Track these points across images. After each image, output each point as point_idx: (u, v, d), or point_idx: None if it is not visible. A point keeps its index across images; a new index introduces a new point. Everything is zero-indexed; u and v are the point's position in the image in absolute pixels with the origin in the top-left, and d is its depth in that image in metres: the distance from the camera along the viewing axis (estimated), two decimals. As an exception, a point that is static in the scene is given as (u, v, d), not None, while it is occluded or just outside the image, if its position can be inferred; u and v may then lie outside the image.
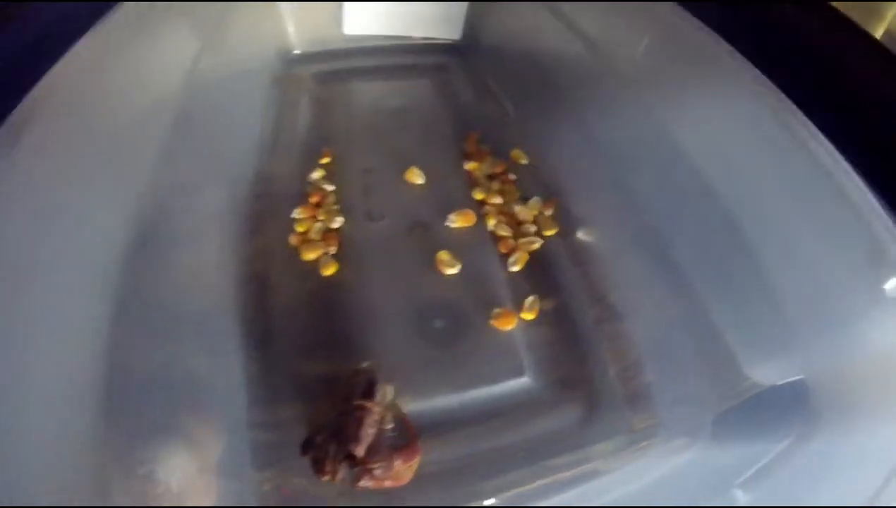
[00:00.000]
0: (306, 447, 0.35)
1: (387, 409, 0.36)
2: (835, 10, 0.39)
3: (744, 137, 0.39)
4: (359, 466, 0.33)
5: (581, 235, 0.50)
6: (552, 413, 0.40)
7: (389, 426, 0.36)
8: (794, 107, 0.34)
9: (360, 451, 0.33)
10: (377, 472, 0.33)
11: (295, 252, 0.47)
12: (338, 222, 0.49)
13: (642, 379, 0.42)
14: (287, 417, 0.39)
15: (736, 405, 0.38)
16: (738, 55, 0.38)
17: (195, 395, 0.38)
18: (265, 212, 0.51)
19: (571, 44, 0.55)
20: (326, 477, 0.33)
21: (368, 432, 0.34)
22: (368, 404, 0.35)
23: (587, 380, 0.42)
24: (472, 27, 0.69)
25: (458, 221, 0.49)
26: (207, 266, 0.45)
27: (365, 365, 0.40)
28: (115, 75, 0.40)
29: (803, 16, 0.39)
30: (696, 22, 0.43)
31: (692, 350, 0.41)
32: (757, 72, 0.37)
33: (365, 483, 0.33)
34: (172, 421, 0.36)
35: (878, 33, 0.59)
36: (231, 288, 0.45)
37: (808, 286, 0.34)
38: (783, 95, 0.35)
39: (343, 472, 0.33)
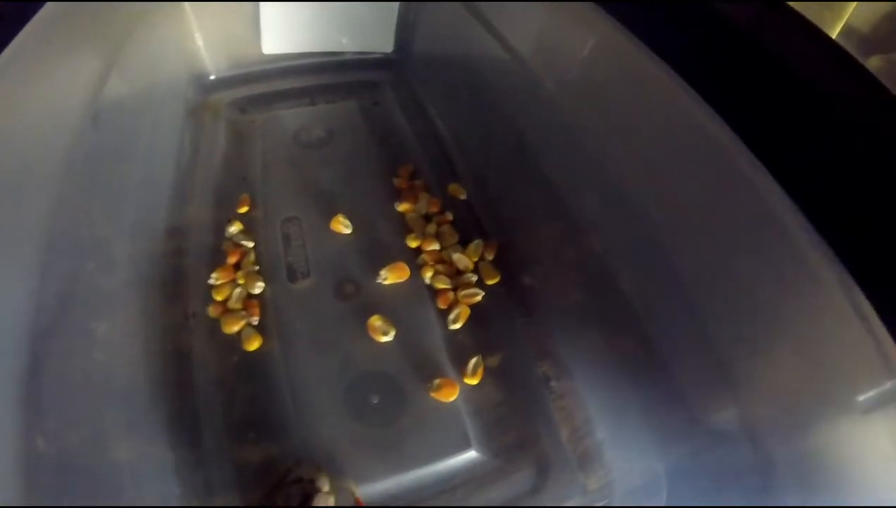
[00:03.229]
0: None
1: None
2: (775, 8, 0.37)
3: (678, 165, 0.37)
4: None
5: (525, 280, 0.46)
6: (503, 482, 0.38)
7: None
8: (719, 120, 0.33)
9: None
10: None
11: (216, 324, 0.43)
12: (258, 287, 0.44)
13: (593, 438, 0.39)
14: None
15: (689, 456, 0.36)
16: (672, 73, 0.36)
17: (120, 485, 0.34)
18: (180, 273, 0.46)
19: (501, 55, 0.51)
20: None
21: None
22: None
23: (536, 444, 0.39)
24: (403, 39, 0.63)
25: (390, 277, 0.45)
26: (127, 339, 0.41)
27: (295, 464, 0.36)
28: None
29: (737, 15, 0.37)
30: (620, 28, 0.40)
31: (643, 396, 0.39)
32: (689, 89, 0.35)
33: None
34: None
35: (834, 32, 0.57)
36: (153, 363, 0.40)
37: (746, 326, 0.32)
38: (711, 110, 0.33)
39: None
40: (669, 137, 0.37)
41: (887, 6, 0.64)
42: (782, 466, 0.30)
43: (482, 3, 0.53)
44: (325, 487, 0.34)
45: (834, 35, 0.63)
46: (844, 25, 0.61)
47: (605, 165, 0.41)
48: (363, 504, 0.35)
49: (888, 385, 0.26)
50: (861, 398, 0.27)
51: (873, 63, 0.66)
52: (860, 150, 0.31)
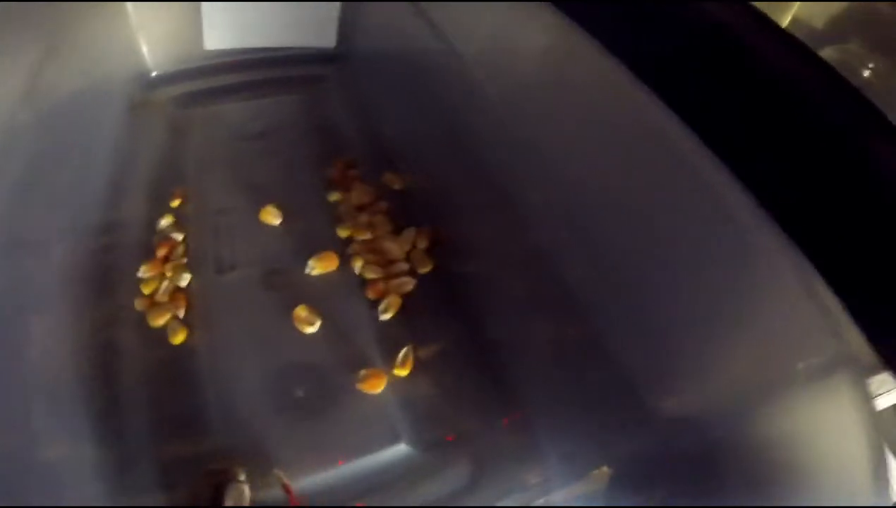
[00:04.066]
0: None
1: None
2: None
3: (626, 150, 0.36)
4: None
5: (460, 269, 0.45)
6: (436, 477, 0.37)
7: None
8: (674, 116, 0.32)
9: None
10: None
11: (142, 318, 0.42)
12: (185, 279, 0.44)
13: (532, 430, 0.38)
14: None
15: (632, 447, 0.35)
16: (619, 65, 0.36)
17: (47, 487, 0.33)
18: (112, 269, 0.45)
19: (444, 53, 0.50)
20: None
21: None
22: None
23: (472, 437, 0.38)
24: (345, 35, 0.63)
25: (318, 267, 0.44)
26: (56, 336, 0.40)
27: (216, 466, 0.35)
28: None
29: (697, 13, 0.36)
30: (571, 25, 0.40)
31: (585, 388, 0.38)
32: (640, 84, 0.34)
33: None
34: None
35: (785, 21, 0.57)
36: (81, 360, 0.39)
37: (692, 314, 0.32)
38: (663, 105, 0.33)
39: None
40: (612, 130, 0.37)
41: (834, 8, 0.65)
42: (729, 449, 0.30)
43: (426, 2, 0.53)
44: (240, 476, 0.33)
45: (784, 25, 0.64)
46: (793, 17, 0.62)
47: (548, 160, 0.41)
48: (292, 491, 0.34)
49: (833, 353, 0.26)
50: (803, 368, 0.27)
51: (827, 54, 0.66)
52: (809, 131, 0.30)
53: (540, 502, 0.36)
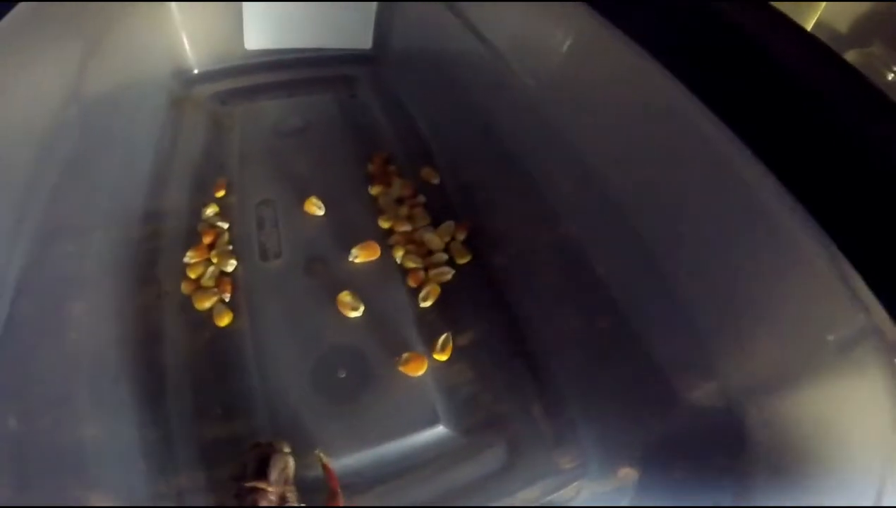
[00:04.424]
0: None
1: (290, 486, 0.33)
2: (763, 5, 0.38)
3: (656, 150, 0.37)
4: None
5: (497, 260, 0.46)
6: (472, 460, 0.37)
7: (295, 501, 0.32)
8: (710, 114, 0.33)
9: None
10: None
11: (188, 301, 0.43)
12: (231, 265, 0.45)
13: (567, 415, 0.39)
14: (189, 487, 0.35)
15: (666, 436, 0.36)
16: (650, 59, 0.37)
17: (86, 465, 0.34)
18: (157, 254, 0.47)
19: (479, 51, 0.52)
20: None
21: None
22: (261, 485, 0.32)
23: (507, 421, 0.39)
24: (381, 36, 0.65)
25: (361, 255, 0.45)
26: (99, 319, 0.41)
27: (262, 440, 0.36)
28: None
29: (725, 14, 0.38)
30: (605, 23, 0.41)
31: (618, 374, 0.39)
32: (673, 79, 0.35)
33: None
34: (62, 495, 0.32)
35: (809, 25, 0.58)
36: (124, 344, 0.41)
37: (722, 299, 0.33)
38: (697, 100, 0.34)
39: None
40: (644, 123, 0.38)
41: (861, 7, 0.66)
42: (759, 432, 0.30)
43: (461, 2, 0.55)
44: (286, 449, 0.34)
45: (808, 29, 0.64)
46: (817, 21, 0.63)
47: (581, 153, 0.42)
48: (332, 470, 0.34)
49: (861, 327, 0.26)
50: (833, 341, 0.27)
51: (850, 57, 0.67)
52: (835, 128, 0.31)
53: (572, 486, 0.37)
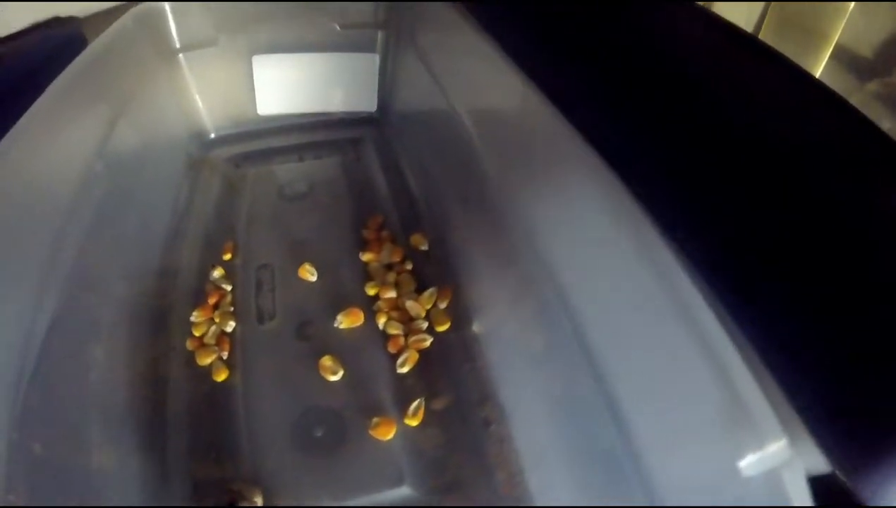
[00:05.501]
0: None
1: None
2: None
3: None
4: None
5: (475, 328, 0.50)
6: None
7: None
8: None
9: None
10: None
11: (192, 356, 0.48)
12: (230, 326, 0.50)
13: (528, 486, 0.41)
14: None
15: None
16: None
17: (92, 486, 0.38)
18: (168, 310, 0.52)
19: (452, 115, 0.55)
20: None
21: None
22: None
23: (470, 487, 0.42)
24: (384, 100, 0.69)
25: (345, 321, 0.49)
26: (116, 364, 0.46)
27: (235, 486, 0.40)
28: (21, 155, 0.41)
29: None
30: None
31: (588, 447, 0.40)
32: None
33: None
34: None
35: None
36: (134, 387, 0.45)
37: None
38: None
39: None
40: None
41: (882, 33, 0.64)
42: None
43: (439, 68, 0.59)
44: (256, 498, 0.38)
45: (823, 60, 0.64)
46: (835, 51, 0.62)
47: (538, 219, 0.44)
48: None
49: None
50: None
51: (872, 87, 0.66)
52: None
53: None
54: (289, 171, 0.66)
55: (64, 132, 0.46)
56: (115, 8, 0.58)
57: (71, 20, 0.57)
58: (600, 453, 0.39)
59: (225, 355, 0.48)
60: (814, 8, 0.62)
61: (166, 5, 0.62)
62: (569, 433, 0.41)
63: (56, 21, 0.56)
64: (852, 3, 0.60)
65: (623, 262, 0.35)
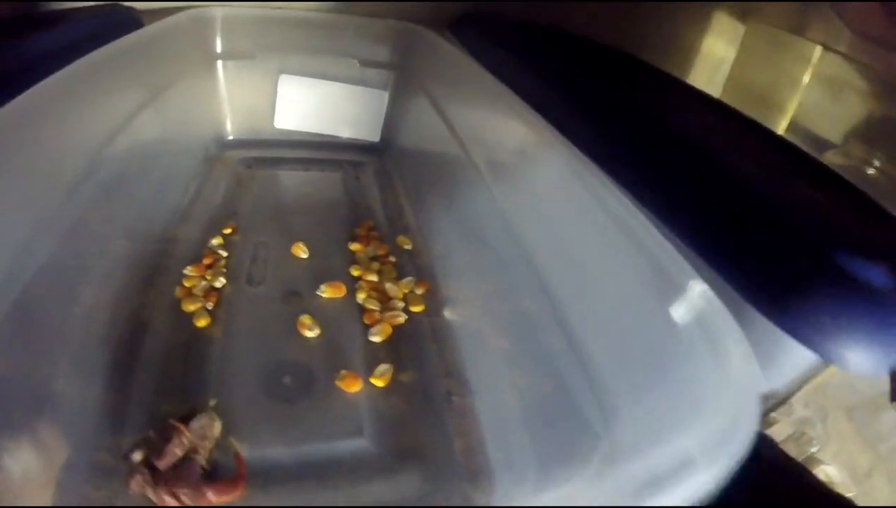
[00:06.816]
0: (124, 457, 0.36)
1: (205, 443, 0.38)
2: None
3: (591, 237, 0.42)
4: (164, 482, 0.35)
5: (447, 314, 0.53)
6: (388, 480, 0.41)
7: (203, 458, 0.37)
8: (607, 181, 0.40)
9: (161, 464, 0.35)
10: (183, 496, 0.35)
11: (178, 303, 0.51)
12: (220, 282, 0.54)
13: (485, 458, 0.42)
14: (129, 444, 0.39)
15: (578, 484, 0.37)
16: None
17: (52, 407, 0.39)
18: (161, 267, 0.55)
19: (453, 147, 0.63)
20: (129, 484, 0.35)
21: (174, 451, 0.36)
22: (181, 426, 0.37)
23: (429, 452, 0.42)
24: (388, 131, 0.78)
25: (328, 292, 0.54)
26: (101, 304, 0.48)
27: (212, 403, 0.42)
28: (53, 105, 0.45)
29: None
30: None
31: (541, 428, 0.42)
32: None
33: (169, 500, 0.35)
34: (26, 421, 0.36)
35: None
36: (117, 327, 0.47)
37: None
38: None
39: (144, 482, 0.35)
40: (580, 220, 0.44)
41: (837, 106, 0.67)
42: None
43: (448, 107, 0.66)
44: (214, 415, 0.40)
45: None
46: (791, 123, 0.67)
47: (530, 239, 0.49)
48: (242, 457, 0.39)
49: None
50: None
51: (830, 158, 0.65)
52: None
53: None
54: (293, 178, 0.72)
55: (96, 96, 0.51)
56: (176, 8, 0.66)
57: (130, 8, 0.65)
58: (564, 424, 0.40)
59: (210, 306, 0.51)
60: (770, 80, 0.69)
61: (219, 14, 0.70)
62: (532, 414, 0.43)
63: (115, 6, 0.64)
64: (806, 77, 0.67)
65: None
